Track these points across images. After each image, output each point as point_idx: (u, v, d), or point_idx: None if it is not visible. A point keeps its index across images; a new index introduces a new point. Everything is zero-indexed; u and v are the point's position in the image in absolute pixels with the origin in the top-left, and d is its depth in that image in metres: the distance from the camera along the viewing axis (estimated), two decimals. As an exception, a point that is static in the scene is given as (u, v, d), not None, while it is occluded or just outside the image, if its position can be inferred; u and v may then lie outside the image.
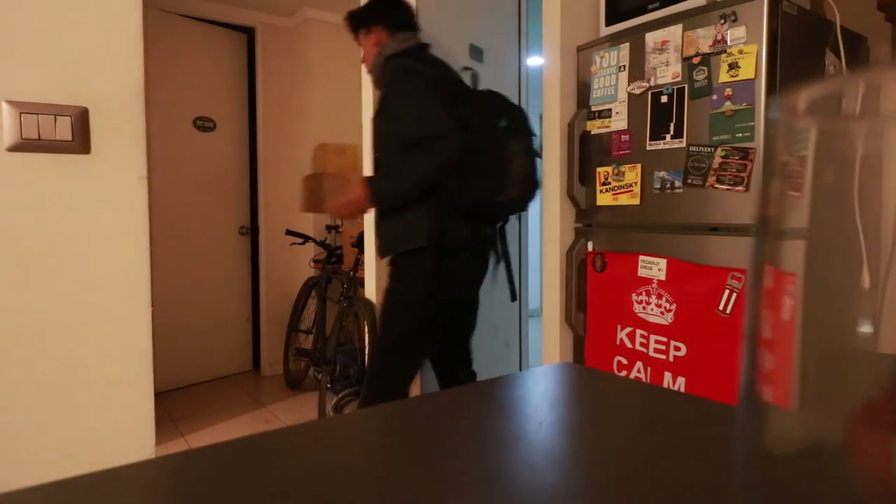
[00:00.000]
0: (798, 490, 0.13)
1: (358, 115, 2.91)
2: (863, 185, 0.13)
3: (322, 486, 0.34)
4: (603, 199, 1.87)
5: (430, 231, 1.68)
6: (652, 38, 1.71)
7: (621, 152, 1.81)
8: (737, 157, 1.50)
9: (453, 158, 1.62)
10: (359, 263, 2.98)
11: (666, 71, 1.67)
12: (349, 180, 1.76)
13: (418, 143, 1.62)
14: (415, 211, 1.69)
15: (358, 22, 1.85)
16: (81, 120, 1.30)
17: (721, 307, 1.52)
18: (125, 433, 1.36)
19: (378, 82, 1.78)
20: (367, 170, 2.27)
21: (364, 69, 1.89)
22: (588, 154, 1.93)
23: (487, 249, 1.87)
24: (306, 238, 3.34)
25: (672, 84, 1.66)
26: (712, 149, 1.55)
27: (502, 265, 1.91)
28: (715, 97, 1.55)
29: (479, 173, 1.70)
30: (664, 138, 1.68)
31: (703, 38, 1.57)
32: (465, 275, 1.83)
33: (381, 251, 1.79)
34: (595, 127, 1.89)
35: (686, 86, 1.62)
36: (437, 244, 1.69)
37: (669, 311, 1.65)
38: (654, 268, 1.69)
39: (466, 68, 2.10)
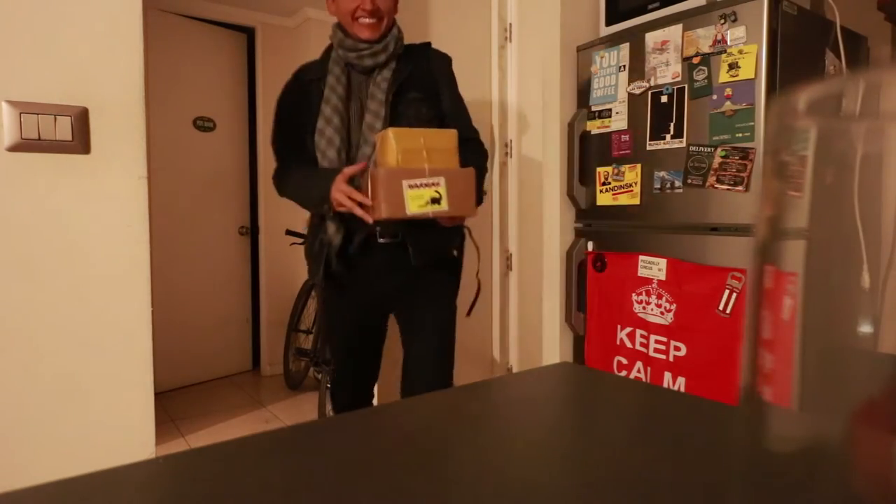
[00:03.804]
0: (798, 490, 0.13)
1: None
2: (863, 185, 0.13)
3: (322, 485, 0.34)
4: (603, 199, 1.87)
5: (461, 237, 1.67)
6: (652, 38, 1.71)
7: (621, 152, 1.81)
8: (737, 157, 1.50)
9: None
10: (359, 263, 2.97)
11: (666, 71, 1.67)
12: (462, 174, 1.42)
13: (478, 143, 1.65)
14: None
15: None
16: (81, 120, 1.30)
17: (721, 307, 1.52)
18: (125, 433, 1.36)
19: (394, 56, 1.56)
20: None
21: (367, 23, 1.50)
22: (588, 154, 1.93)
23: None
24: (306, 238, 3.34)
25: (672, 84, 1.66)
26: (712, 149, 1.55)
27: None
28: (715, 97, 1.55)
29: None
30: (664, 138, 1.68)
31: (703, 38, 1.57)
32: None
33: (426, 256, 1.55)
34: (595, 127, 1.89)
35: (686, 86, 1.62)
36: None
37: (669, 311, 1.65)
38: (654, 268, 1.69)
39: None
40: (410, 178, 1.35)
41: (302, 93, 1.59)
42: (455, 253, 1.66)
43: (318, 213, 1.57)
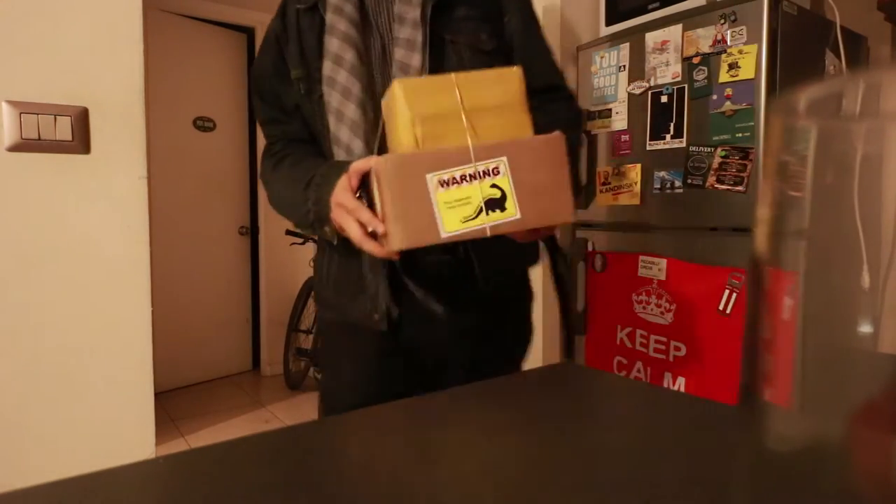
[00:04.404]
0: (798, 490, 0.13)
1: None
2: (863, 185, 0.13)
3: (322, 485, 0.34)
4: (603, 199, 1.87)
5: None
6: (652, 38, 1.71)
7: (621, 152, 1.81)
8: (737, 157, 1.50)
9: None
10: (359, 263, 2.97)
11: (666, 71, 1.67)
12: (540, 144, 0.76)
13: (567, 96, 1.01)
14: None
15: None
16: (81, 120, 1.30)
17: (721, 307, 1.52)
18: (125, 433, 1.36)
19: None
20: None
21: None
22: (588, 154, 1.93)
23: None
24: (306, 238, 3.34)
25: (672, 84, 1.66)
26: (712, 149, 1.55)
27: None
28: (715, 97, 1.55)
29: None
30: (664, 138, 1.68)
31: (703, 38, 1.57)
32: None
33: (499, 277, 0.95)
34: (595, 127, 1.89)
35: (686, 86, 1.62)
36: None
37: (669, 311, 1.65)
38: (654, 268, 1.69)
39: None
40: (440, 167, 0.72)
41: (293, 33, 0.94)
42: (556, 271, 1.03)
43: (323, 238, 0.93)
